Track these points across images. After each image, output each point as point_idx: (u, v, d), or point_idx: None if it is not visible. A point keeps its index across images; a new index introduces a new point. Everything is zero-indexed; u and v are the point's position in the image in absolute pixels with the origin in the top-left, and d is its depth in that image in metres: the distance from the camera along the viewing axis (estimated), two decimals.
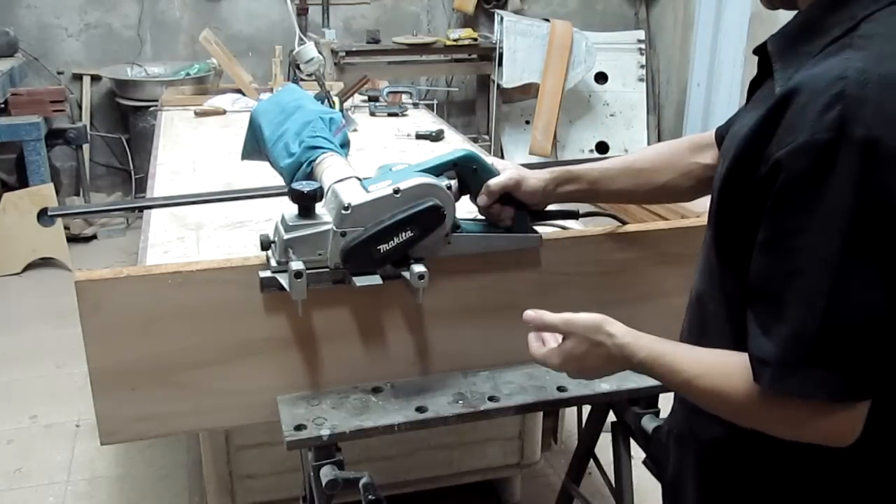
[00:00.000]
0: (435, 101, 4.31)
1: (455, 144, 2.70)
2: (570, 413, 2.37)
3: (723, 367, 0.88)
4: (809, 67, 0.81)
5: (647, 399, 1.40)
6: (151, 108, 3.54)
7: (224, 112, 3.11)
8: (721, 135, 1.22)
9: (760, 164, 0.81)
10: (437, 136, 2.74)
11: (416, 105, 3.26)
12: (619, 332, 0.99)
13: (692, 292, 1.06)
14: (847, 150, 0.74)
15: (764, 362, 0.82)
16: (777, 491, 0.95)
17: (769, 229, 0.81)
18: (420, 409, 1.29)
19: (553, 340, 1.07)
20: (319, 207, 1.21)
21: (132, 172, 4.93)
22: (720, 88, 4.79)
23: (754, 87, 0.97)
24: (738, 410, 0.88)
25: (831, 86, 0.76)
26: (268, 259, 1.24)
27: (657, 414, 1.39)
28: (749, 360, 0.84)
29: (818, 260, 0.77)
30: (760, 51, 0.94)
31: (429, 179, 1.21)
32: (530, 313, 1.08)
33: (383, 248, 1.17)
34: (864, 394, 0.81)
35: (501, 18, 4.96)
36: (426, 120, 3.08)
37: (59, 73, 4.89)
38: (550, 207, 1.35)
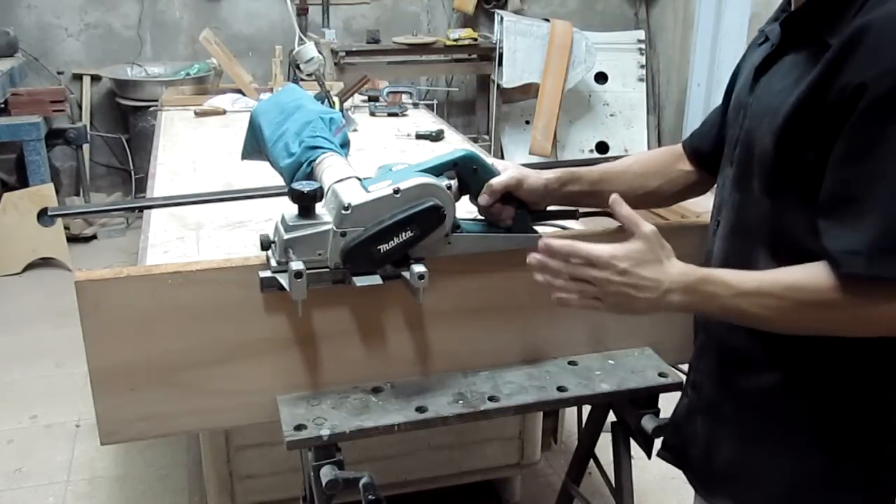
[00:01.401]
0: (435, 101, 4.31)
1: (455, 144, 2.70)
2: (570, 413, 2.37)
3: (808, 275, 0.94)
4: (865, 14, 0.91)
5: (648, 399, 1.40)
6: (151, 108, 3.54)
7: (224, 112, 3.11)
8: (692, 146, 1.35)
9: (834, 93, 0.91)
10: (437, 136, 2.74)
11: (416, 105, 3.26)
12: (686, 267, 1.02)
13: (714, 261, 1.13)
14: None
15: (855, 253, 0.89)
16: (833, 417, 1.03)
17: (851, 144, 0.90)
18: (420, 409, 1.29)
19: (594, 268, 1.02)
20: (319, 207, 1.21)
21: (132, 172, 4.93)
22: (720, 88, 4.78)
23: (768, 62, 1.05)
24: (831, 310, 0.93)
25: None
26: (268, 259, 1.24)
27: (657, 414, 1.39)
28: (831, 256, 0.91)
29: None
30: (791, 20, 1.02)
31: (429, 179, 1.21)
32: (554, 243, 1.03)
33: (383, 248, 1.17)
34: None
35: (501, 18, 4.96)
36: (426, 120, 3.08)
37: (59, 73, 4.90)
38: (550, 208, 1.35)
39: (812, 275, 0.93)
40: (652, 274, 1.00)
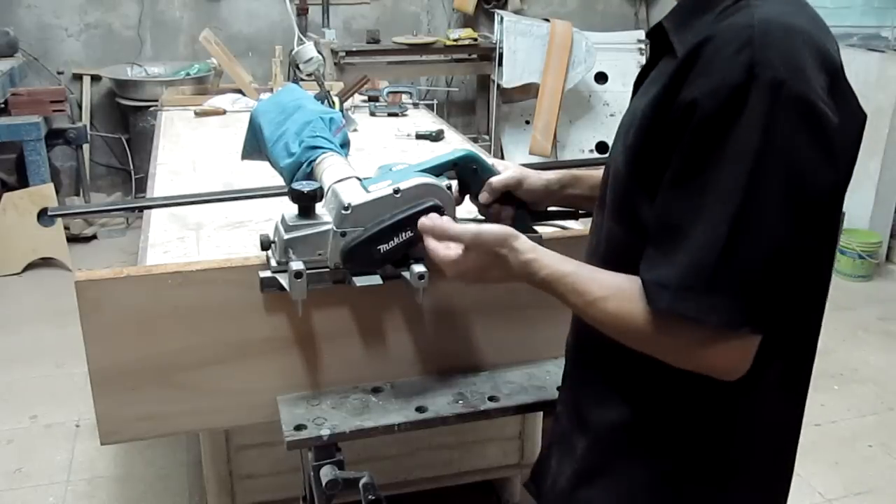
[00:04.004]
0: (435, 101, 4.31)
1: (455, 144, 2.70)
2: None
3: (627, 291, 0.90)
4: (711, 27, 0.85)
5: None
6: (151, 108, 3.54)
7: (224, 112, 3.11)
8: None
9: (673, 110, 0.84)
10: (437, 136, 2.74)
11: (416, 105, 3.26)
12: (525, 247, 1.00)
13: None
14: (756, 91, 0.78)
15: (663, 286, 0.84)
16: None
17: (678, 167, 0.84)
18: (420, 409, 1.29)
19: (456, 246, 1.06)
20: (319, 207, 1.21)
21: (132, 172, 4.93)
22: None
23: (643, 76, 1.00)
24: (636, 333, 0.89)
25: (740, 33, 0.80)
26: (268, 259, 1.24)
27: None
28: (645, 285, 0.87)
29: (724, 192, 0.80)
30: (655, 32, 0.97)
31: (429, 179, 1.21)
32: (426, 221, 1.10)
33: (383, 248, 1.17)
34: (755, 325, 0.83)
35: (501, 18, 4.96)
36: (426, 120, 3.08)
37: (59, 73, 4.90)
38: (550, 208, 1.35)
39: (632, 298, 0.88)
40: (494, 273, 1.03)
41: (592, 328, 0.95)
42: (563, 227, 1.46)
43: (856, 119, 0.88)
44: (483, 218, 1.31)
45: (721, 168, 0.80)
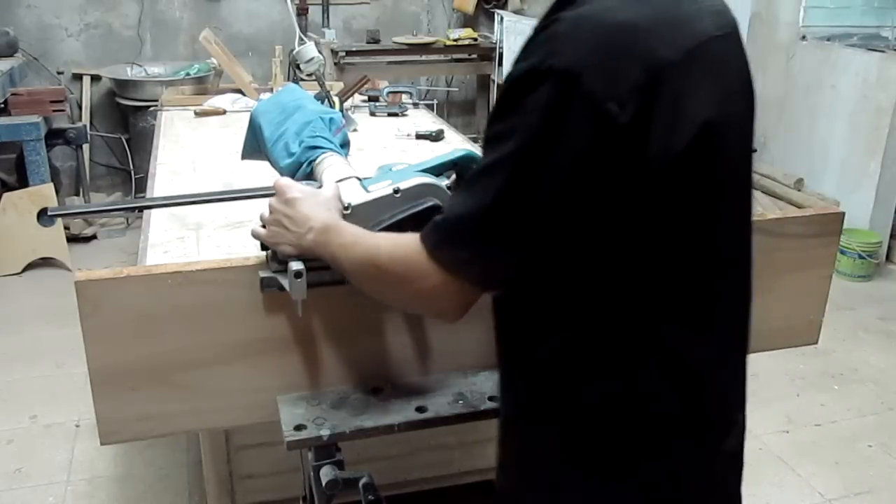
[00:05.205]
0: (435, 101, 4.30)
1: (455, 144, 2.70)
2: None
3: (403, 238, 0.98)
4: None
5: None
6: (151, 108, 3.54)
7: (224, 112, 3.11)
8: None
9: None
10: (437, 136, 2.74)
11: (416, 105, 3.26)
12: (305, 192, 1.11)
13: None
14: (549, 79, 0.82)
15: (432, 227, 0.92)
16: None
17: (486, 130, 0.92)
18: (420, 409, 1.29)
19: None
20: None
21: (132, 172, 4.93)
22: None
23: None
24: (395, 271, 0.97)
25: (557, 25, 0.85)
26: (267, 259, 1.24)
27: None
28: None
29: (500, 162, 0.86)
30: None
31: (429, 179, 1.21)
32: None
33: None
34: (474, 279, 0.92)
35: (501, 18, 4.96)
36: (426, 120, 3.08)
37: (59, 73, 4.90)
38: None
39: (404, 243, 0.96)
40: (307, 210, 1.09)
41: (501, 316, 1.02)
42: None
43: (687, 120, 0.84)
44: None
45: (504, 141, 0.86)
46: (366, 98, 3.20)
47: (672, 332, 0.92)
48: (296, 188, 1.14)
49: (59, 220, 4.00)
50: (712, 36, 0.90)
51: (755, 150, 1.15)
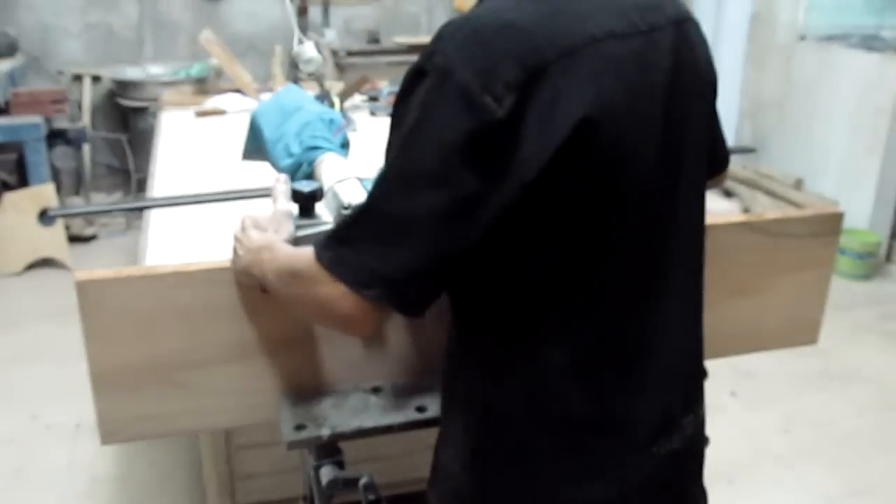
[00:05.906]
0: None
1: None
2: None
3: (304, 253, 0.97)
4: None
5: None
6: (151, 108, 3.54)
7: (224, 112, 3.11)
8: None
9: None
10: None
11: None
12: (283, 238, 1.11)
13: None
14: (429, 76, 0.86)
15: (329, 236, 0.93)
16: None
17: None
18: (420, 409, 1.30)
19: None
20: (319, 207, 1.21)
21: (132, 172, 4.93)
22: (719, 88, 4.79)
23: None
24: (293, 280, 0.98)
25: (444, 27, 0.89)
26: None
27: None
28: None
29: (389, 159, 0.92)
30: None
31: None
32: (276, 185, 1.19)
33: None
34: (374, 288, 0.88)
35: None
36: None
37: (59, 73, 4.90)
38: None
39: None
40: (255, 236, 1.11)
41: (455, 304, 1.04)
42: None
43: (565, 116, 0.84)
44: None
45: (392, 137, 0.93)
46: (366, 98, 3.20)
47: (578, 333, 0.95)
48: (248, 217, 1.16)
49: (60, 220, 4.00)
50: (614, 34, 0.88)
51: (754, 150, 1.13)
